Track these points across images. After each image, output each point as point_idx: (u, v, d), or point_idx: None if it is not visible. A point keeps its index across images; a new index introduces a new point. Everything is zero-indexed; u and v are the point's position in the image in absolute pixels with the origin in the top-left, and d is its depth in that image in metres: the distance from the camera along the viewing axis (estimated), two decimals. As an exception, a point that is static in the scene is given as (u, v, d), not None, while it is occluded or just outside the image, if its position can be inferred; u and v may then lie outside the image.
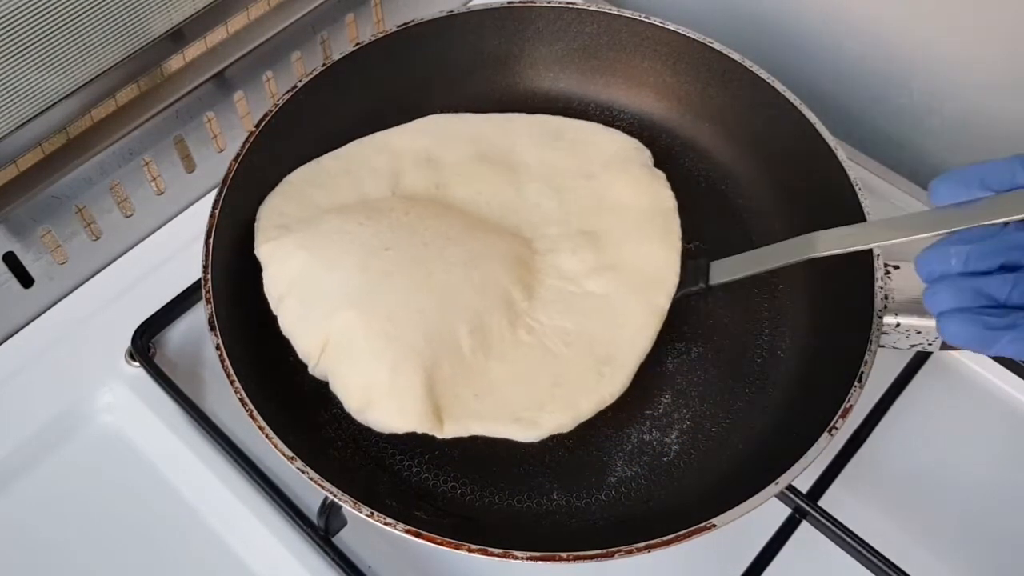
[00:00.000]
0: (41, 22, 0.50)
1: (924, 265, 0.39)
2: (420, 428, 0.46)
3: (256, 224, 0.52)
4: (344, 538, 0.49)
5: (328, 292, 0.48)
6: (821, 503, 0.48)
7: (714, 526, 0.41)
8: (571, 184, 0.56)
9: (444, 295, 0.48)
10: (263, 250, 0.51)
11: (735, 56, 0.56)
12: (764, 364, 0.52)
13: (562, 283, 0.52)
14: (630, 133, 0.59)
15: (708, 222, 0.57)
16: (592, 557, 0.40)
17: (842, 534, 0.46)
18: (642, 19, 0.58)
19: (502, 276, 0.50)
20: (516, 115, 0.59)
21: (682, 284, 0.51)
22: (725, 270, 0.50)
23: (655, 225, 0.54)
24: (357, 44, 0.57)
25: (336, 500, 0.42)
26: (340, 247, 0.50)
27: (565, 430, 0.47)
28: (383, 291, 0.48)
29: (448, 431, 0.46)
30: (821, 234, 0.45)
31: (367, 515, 0.42)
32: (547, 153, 0.57)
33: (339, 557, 0.48)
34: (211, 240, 0.50)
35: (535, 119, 0.59)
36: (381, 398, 0.46)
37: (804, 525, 0.48)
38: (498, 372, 0.48)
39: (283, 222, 0.52)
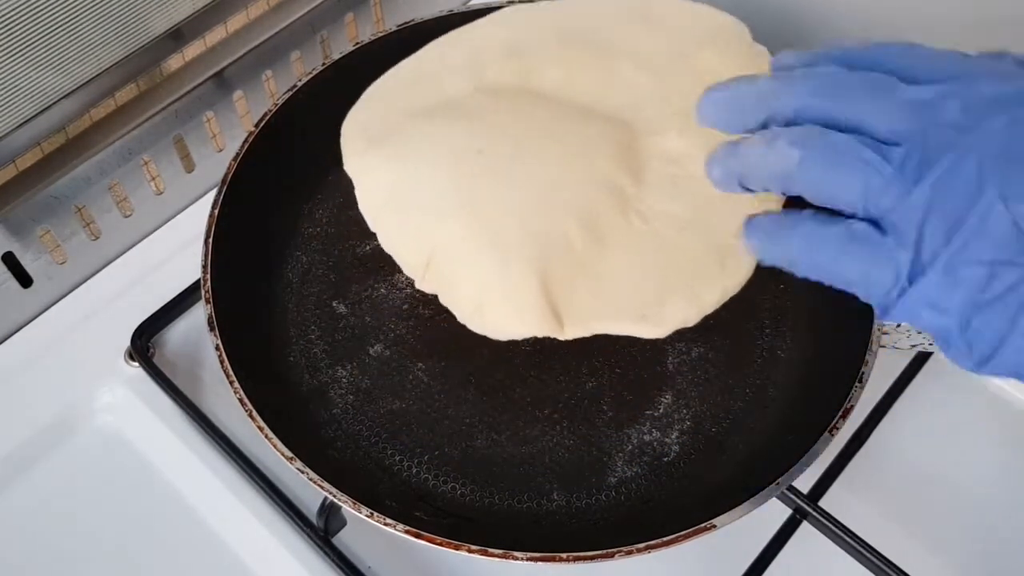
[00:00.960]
0: (40, 21, 0.50)
1: None
2: (540, 331, 0.43)
3: (342, 140, 0.50)
4: (344, 538, 0.49)
5: (424, 204, 0.46)
6: (822, 503, 0.48)
7: (714, 526, 0.41)
8: (666, 63, 0.51)
9: (546, 191, 0.46)
10: (352, 165, 0.49)
11: (735, 56, 0.56)
12: (764, 364, 0.52)
13: (668, 166, 0.48)
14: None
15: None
16: (592, 557, 0.40)
17: (843, 535, 0.46)
18: (642, 18, 0.58)
19: (605, 163, 0.47)
20: None
21: None
22: None
23: None
24: (357, 43, 0.57)
25: (336, 500, 0.42)
26: (430, 154, 0.47)
27: (690, 324, 0.44)
28: (481, 196, 0.46)
29: (569, 332, 0.44)
30: None
31: (367, 515, 0.42)
32: (635, 32, 0.52)
33: (339, 557, 0.48)
34: (211, 240, 0.50)
35: (614, 0, 0.54)
36: (495, 301, 0.44)
37: (805, 525, 0.48)
38: (614, 265, 0.45)
39: (368, 134, 0.50)
